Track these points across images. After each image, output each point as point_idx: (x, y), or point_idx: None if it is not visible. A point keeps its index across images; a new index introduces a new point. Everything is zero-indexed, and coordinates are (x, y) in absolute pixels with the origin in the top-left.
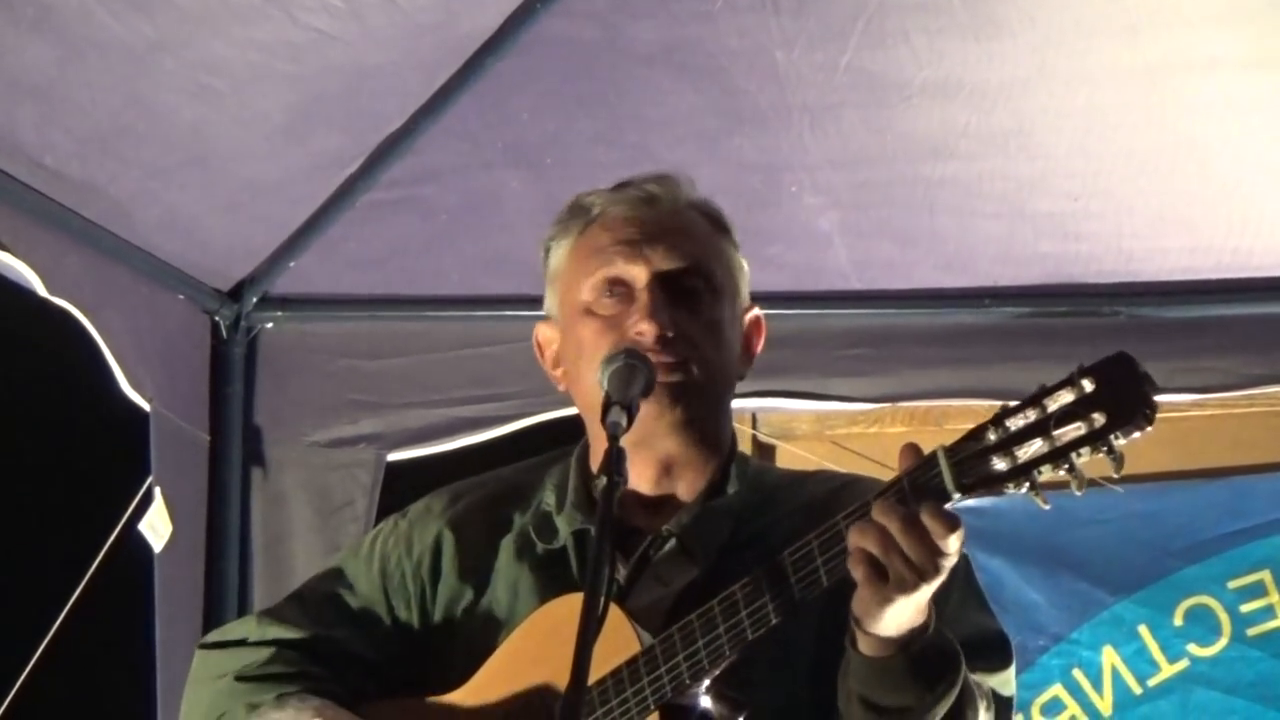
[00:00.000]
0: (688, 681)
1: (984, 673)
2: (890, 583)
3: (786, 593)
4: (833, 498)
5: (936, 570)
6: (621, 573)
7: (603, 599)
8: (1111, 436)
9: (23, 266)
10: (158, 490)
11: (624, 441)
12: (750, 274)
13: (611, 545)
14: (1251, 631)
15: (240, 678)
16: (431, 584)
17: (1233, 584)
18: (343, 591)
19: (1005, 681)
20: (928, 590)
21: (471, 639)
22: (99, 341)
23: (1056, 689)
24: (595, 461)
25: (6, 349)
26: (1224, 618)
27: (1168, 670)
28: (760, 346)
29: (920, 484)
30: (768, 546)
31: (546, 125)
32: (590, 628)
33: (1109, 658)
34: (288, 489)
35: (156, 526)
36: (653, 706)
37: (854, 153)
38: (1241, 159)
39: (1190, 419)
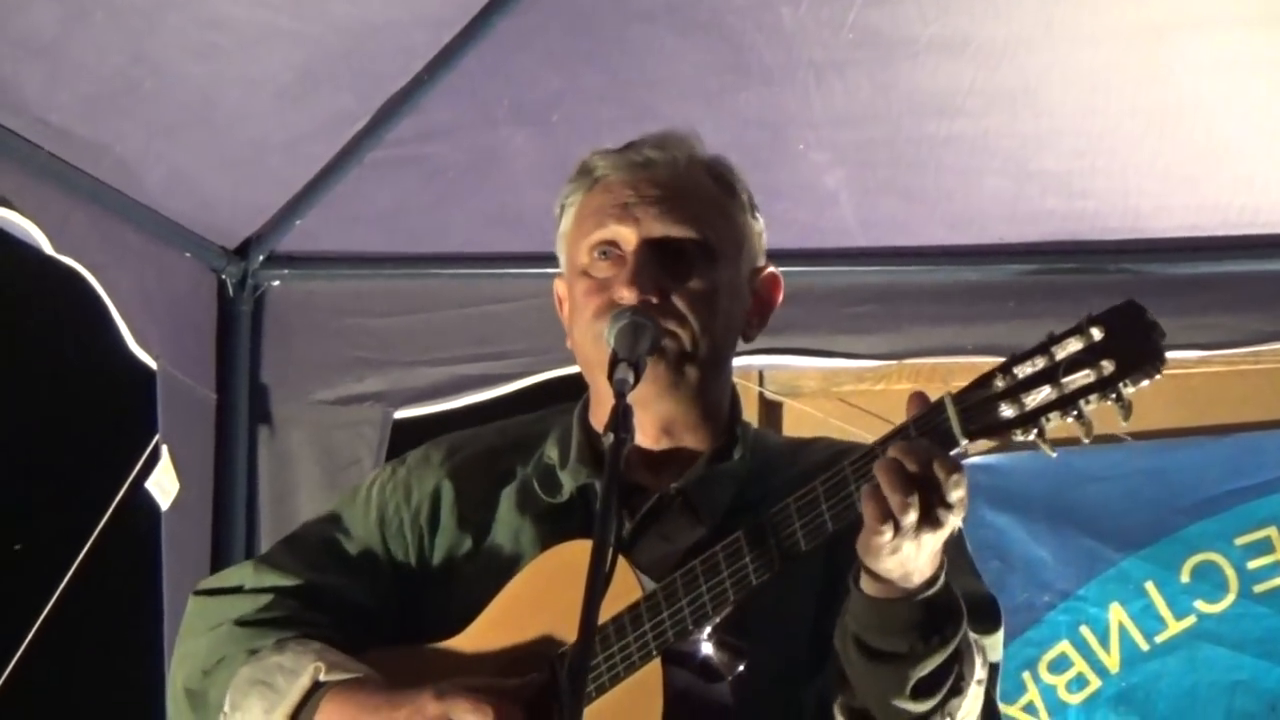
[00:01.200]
0: (690, 626)
1: (975, 635)
2: (893, 522)
3: (791, 538)
4: (831, 462)
5: (936, 515)
6: (626, 527)
7: (610, 553)
8: (1120, 384)
9: (30, 225)
10: (165, 448)
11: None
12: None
13: (616, 501)
14: (1258, 588)
15: (239, 623)
16: (430, 532)
17: (1239, 540)
18: (339, 538)
19: (994, 645)
20: (930, 537)
21: (469, 588)
22: (106, 300)
23: (1064, 646)
24: (595, 417)
25: (13, 307)
26: (1231, 574)
27: (1175, 627)
28: (778, 304)
29: (927, 430)
30: (764, 511)
31: (551, 83)
32: (598, 582)
33: (1116, 614)
34: (294, 447)
35: (164, 484)
36: (655, 651)
37: (860, 110)
38: (1248, 117)
39: (1196, 376)
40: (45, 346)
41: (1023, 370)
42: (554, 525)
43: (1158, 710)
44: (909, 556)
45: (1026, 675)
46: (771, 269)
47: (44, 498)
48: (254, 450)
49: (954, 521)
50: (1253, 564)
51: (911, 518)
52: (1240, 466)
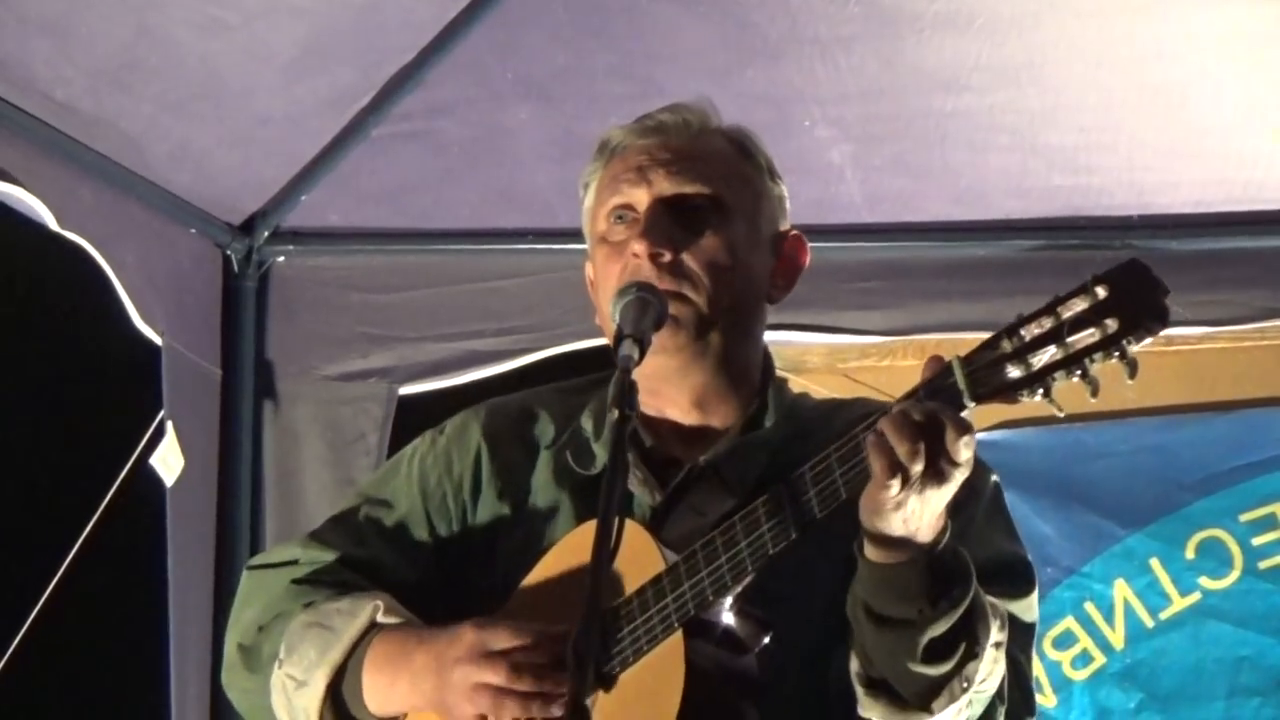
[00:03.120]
0: (710, 597)
1: (1004, 597)
2: (901, 473)
3: (807, 505)
4: (864, 421)
5: (941, 469)
6: (656, 499)
7: (614, 530)
8: (1124, 341)
9: (34, 200)
10: (170, 424)
11: (654, 375)
12: None
13: (624, 479)
14: (1263, 564)
15: (296, 581)
16: (473, 504)
17: (1244, 517)
18: (384, 513)
19: (1027, 607)
20: (935, 494)
21: (511, 561)
22: (111, 275)
23: (1068, 622)
24: None
25: (18, 283)
26: (1235, 551)
27: (1179, 603)
28: (805, 265)
29: (936, 391)
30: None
31: (557, 59)
32: (602, 558)
33: (1121, 591)
34: (299, 423)
35: (168, 461)
36: (676, 623)
37: (866, 85)
38: (1254, 92)
39: (1202, 352)
40: (50, 322)
41: (1029, 331)
42: (586, 498)
43: (1162, 686)
44: (913, 513)
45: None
46: (795, 231)
47: (49, 474)
48: (259, 426)
49: (958, 478)
50: (1258, 540)
51: (918, 468)
52: (1246, 443)
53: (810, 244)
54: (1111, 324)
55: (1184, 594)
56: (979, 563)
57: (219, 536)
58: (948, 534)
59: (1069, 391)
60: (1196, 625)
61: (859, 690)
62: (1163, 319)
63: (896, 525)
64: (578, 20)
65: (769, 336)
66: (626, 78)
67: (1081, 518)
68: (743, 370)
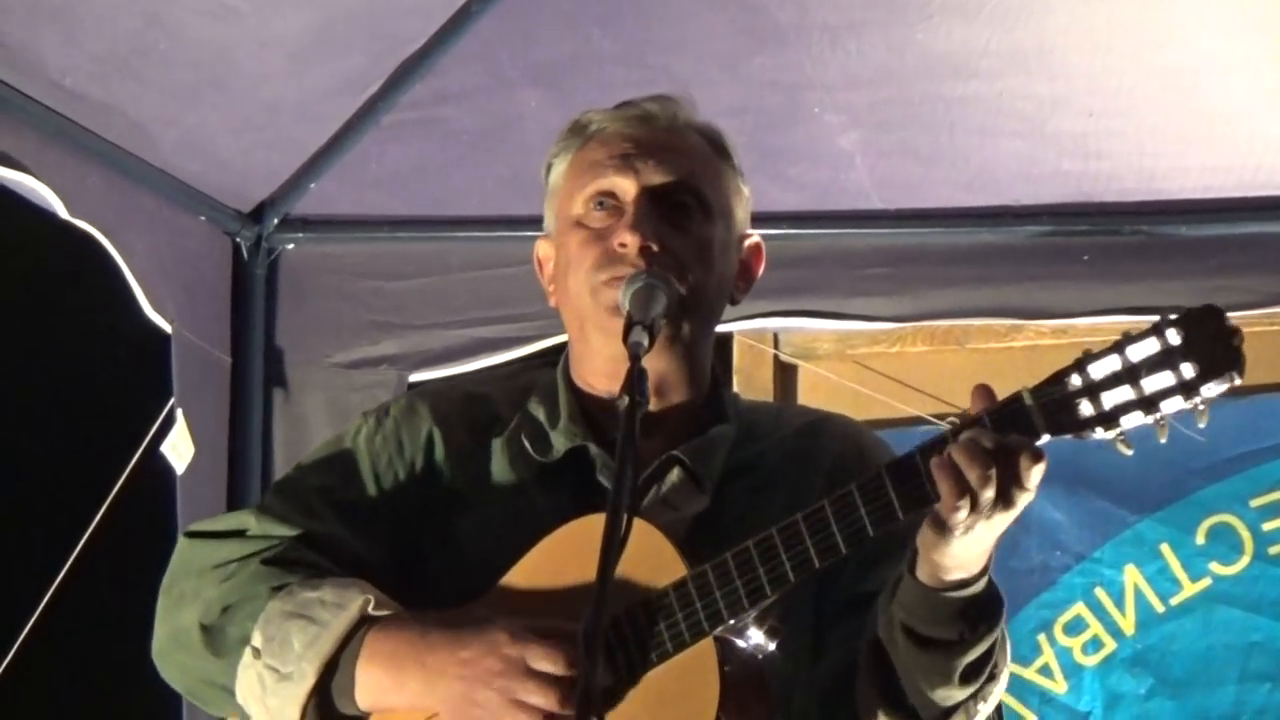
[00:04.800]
0: (747, 604)
1: None
2: (970, 497)
3: (858, 522)
4: (812, 430)
5: (1011, 495)
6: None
7: (625, 523)
8: (1203, 387)
9: (44, 188)
10: (180, 412)
11: (619, 359)
12: (771, 194)
13: (634, 470)
14: (1274, 550)
15: (265, 561)
16: (426, 483)
17: (1255, 502)
18: (335, 489)
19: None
20: (1002, 518)
21: (469, 546)
22: (120, 263)
23: (1079, 608)
24: (580, 374)
25: (29, 271)
26: (1246, 536)
27: (1190, 589)
28: (759, 273)
29: (1005, 420)
30: (758, 476)
31: (566, 46)
32: (613, 550)
33: (1131, 576)
34: (309, 410)
35: (179, 448)
36: (708, 628)
37: (875, 71)
38: (1263, 77)
39: None
40: (60, 310)
41: (1098, 370)
42: (548, 486)
43: (1173, 672)
44: (978, 539)
45: (1042, 638)
46: (756, 237)
47: (59, 462)
48: (269, 414)
49: (1023, 503)
50: (1268, 525)
51: (989, 494)
52: (1257, 428)
53: (819, 230)
54: (1188, 370)
55: (1194, 579)
56: None
57: None
58: (989, 569)
59: None
60: (1207, 611)
61: (880, 712)
62: (1240, 367)
63: (959, 550)
64: (587, 7)
65: (780, 323)
66: (635, 65)
67: (1092, 503)
68: (700, 363)
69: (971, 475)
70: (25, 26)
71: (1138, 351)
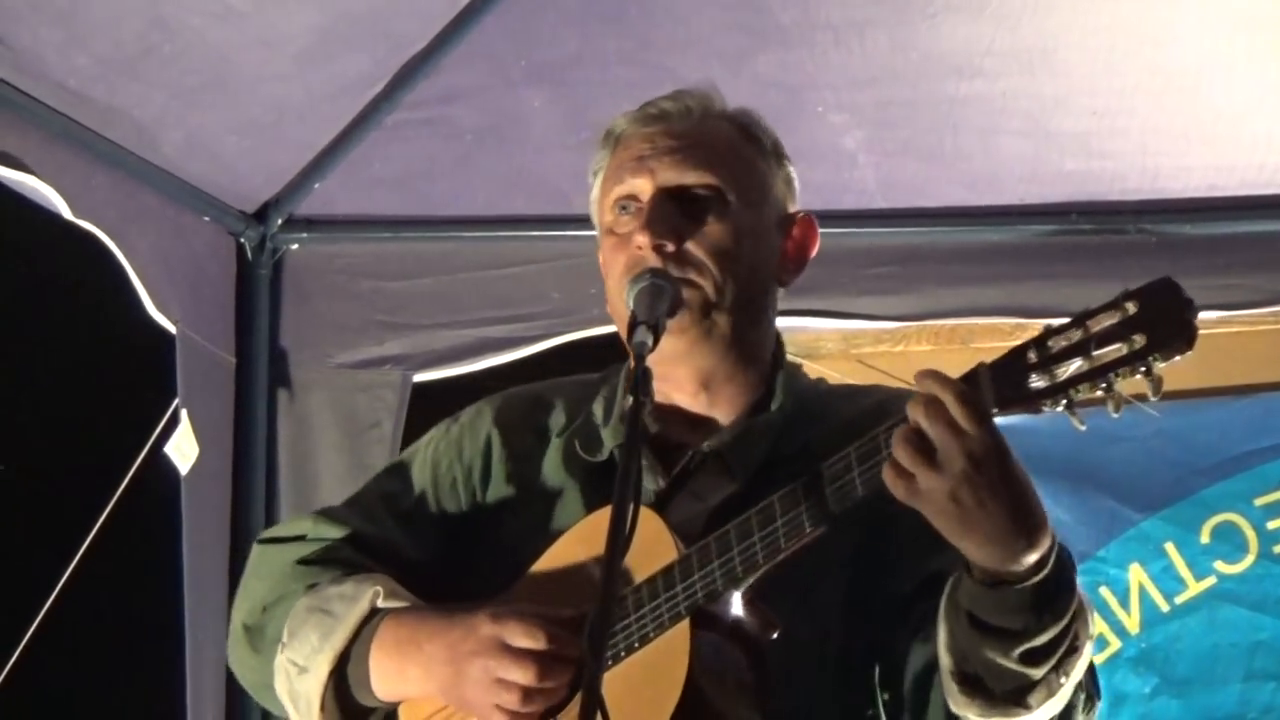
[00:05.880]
0: (720, 588)
1: None
2: (927, 463)
3: (821, 502)
4: (879, 410)
5: (974, 454)
6: (660, 484)
7: (630, 516)
8: (1151, 358)
9: (48, 189)
10: (184, 413)
11: (660, 358)
12: None
13: (638, 463)
14: (1278, 548)
15: (301, 561)
16: (482, 488)
17: (1259, 501)
18: (397, 494)
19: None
20: (984, 482)
21: (516, 546)
22: (124, 264)
23: None
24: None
25: (32, 272)
26: (1251, 535)
27: (1195, 588)
28: (813, 251)
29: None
30: (810, 461)
31: (570, 45)
32: (618, 545)
33: (1136, 575)
34: (314, 411)
35: (183, 449)
36: (684, 611)
37: (879, 71)
38: (1267, 76)
39: (1217, 336)
40: (63, 311)
41: (1056, 343)
42: (593, 484)
43: (1177, 671)
44: (973, 505)
45: None
46: (804, 213)
47: (63, 462)
48: (273, 414)
49: (974, 446)
50: (1273, 524)
51: (952, 455)
52: (1261, 427)
53: (823, 230)
54: (1139, 340)
55: (1199, 578)
56: None
57: (234, 525)
58: (1054, 550)
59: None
60: (1212, 610)
61: (953, 687)
62: (1190, 340)
63: (967, 524)
64: (590, 6)
65: (782, 323)
66: (639, 64)
67: (1096, 502)
68: (750, 355)
69: (933, 433)
70: (30, 28)
71: (1097, 323)
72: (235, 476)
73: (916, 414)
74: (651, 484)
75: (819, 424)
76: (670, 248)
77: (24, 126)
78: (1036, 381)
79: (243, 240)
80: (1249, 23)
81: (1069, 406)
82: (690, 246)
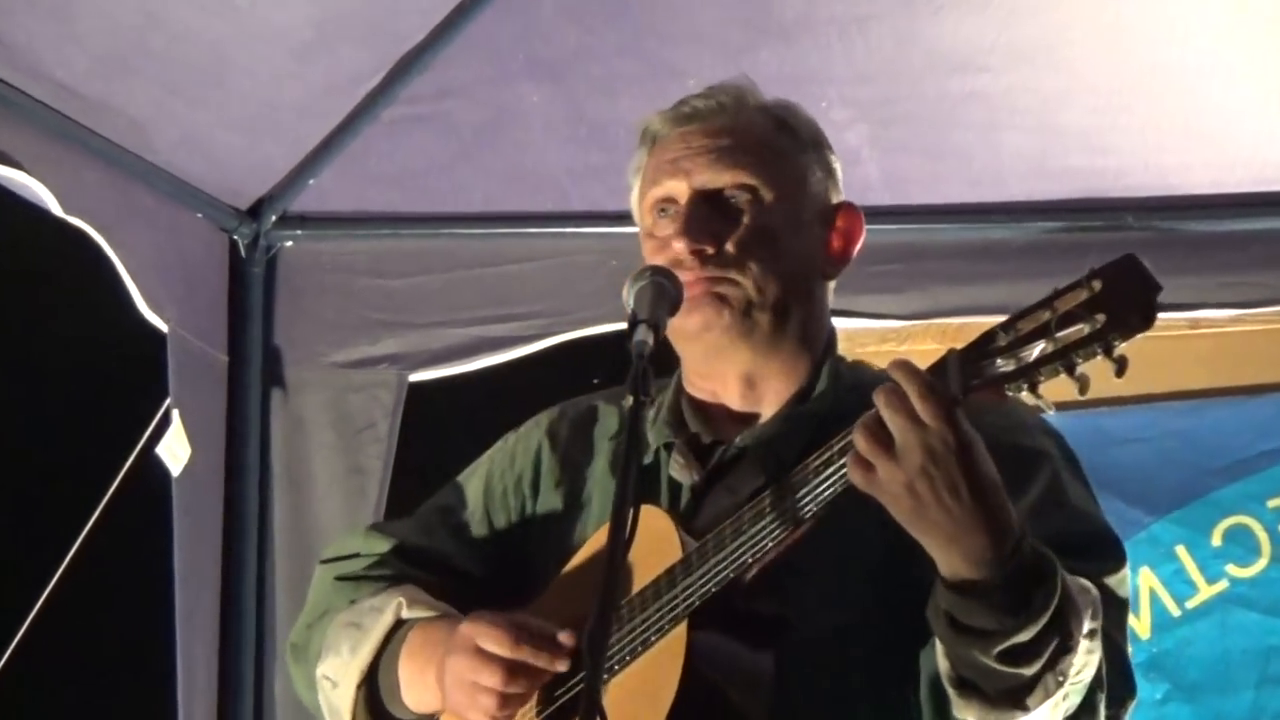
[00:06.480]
0: (713, 589)
1: (1094, 574)
2: (885, 453)
3: (808, 496)
4: None
5: (931, 446)
6: (695, 480)
7: (629, 518)
8: (1110, 338)
9: (39, 185)
10: (176, 412)
11: (705, 356)
12: None
13: (638, 464)
14: None
15: (340, 578)
16: (532, 497)
17: (1272, 503)
18: (453, 508)
19: (1120, 582)
20: (941, 476)
21: (563, 553)
22: (116, 261)
23: None
24: (687, 377)
25: (22, 269)
26: (1263, 537)
27: (1206, 591)
28: (859, 241)
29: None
30: (834, 452)
31: (569, 39)
32: (617, 547)
33: (1146, 579)
34: (308, 411)
35: (175, 450)
36: (682, 614)
37: (882, 66)
38: (1271, 72)
39: (1227, 335)
40: (54, 309)
41: (1025, 325)
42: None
43: (1189, 677)
44: (930, 500)
45: None
46: (848, 203)
47: (54, 463)
48: (267, 414)
49: (939, 438)
50: None
51: (910, 448)
52: (1273, 427)
53: None
54: (1099, 319)
55: (1211, 582)
56: (1064, 538)
57: (226, 526)
58: (1023, 539)
59: (1092, 375)
60: (1224, 614)
61: (951, 692)
62: (1149, 318)
63: (928, 520)
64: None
65: None
66: (639, 58)
67: (1106, 504)
68: (796, 351)
69: (893, 423)
70: (21, 22)
71: (1064, 303)
72: (227, 478)
73: (880, 403)
74: (686, 479)
75: (863, 412)
76: (710, 251)
77: (14, 122)
78: (1004, 365)
79: (236, 237)
80: (1254, 21)
81: (1033, 389)
82: (729, 247)
